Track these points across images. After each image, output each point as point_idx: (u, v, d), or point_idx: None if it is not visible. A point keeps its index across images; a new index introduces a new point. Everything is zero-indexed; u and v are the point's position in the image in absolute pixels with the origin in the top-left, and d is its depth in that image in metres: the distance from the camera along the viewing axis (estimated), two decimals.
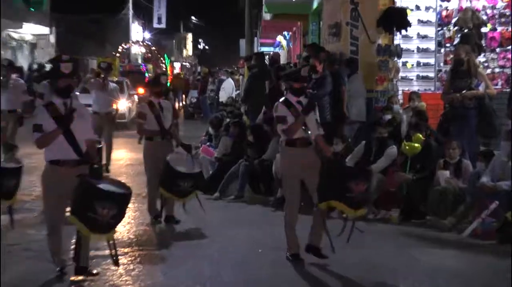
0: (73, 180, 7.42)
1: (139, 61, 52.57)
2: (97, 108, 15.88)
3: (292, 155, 8.80)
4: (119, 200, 7.50)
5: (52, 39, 44.65)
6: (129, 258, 8.88)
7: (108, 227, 7.48)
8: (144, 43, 54.47)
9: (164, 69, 48.34)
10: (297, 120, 8.65)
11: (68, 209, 7.71)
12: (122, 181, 8.61)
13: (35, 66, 38.61)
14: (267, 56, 20.44)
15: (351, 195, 8.08)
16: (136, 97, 31.25)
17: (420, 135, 11.71)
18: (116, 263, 7.80)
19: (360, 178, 8.22)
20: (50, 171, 7.81)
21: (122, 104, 24.40)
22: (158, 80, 11.64)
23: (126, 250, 9.26)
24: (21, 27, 39.45)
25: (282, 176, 9.39)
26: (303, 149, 8.74)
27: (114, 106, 16.29)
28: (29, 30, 41.21)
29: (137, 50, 57.88)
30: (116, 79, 27.61)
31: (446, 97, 12.32)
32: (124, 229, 10.37)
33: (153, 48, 50.99)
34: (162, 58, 49.55)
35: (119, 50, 44.02)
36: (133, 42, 51.77)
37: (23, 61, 40.22)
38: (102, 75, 16.13)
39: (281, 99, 8.97)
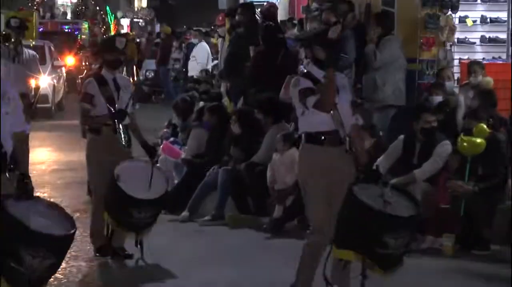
0: None
1: (68, 17, 52.47)
2: None
3: (317, 156, 8.40)
4: (57, 245, 7.02)
5: None
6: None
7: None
8: None
9: (104, 28, 48.38)
10: (326, 85, 8.17)
11: None
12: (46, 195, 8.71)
13: None
14: (259, 9, 20.47)
15: (385, 252, 7.81)
16: (63, 69, 31.26)
17: (485, 127, 11.78)
18: None
19: (405, 228, 7.97)
20: None
21: (44, 81, 23.82)
22: (112, 44, 10.67)
23: None
24: None
25: (302, 188, 8.75)
26: (333, 149, 8.38)
27: (32, 84, 16.16)
28: None
29: (65, 0, 58.01)
30: (34, 43, 27.49)
31: None
32: None
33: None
34: (102, 13, 49.70)
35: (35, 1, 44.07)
36: None
37: None
38: (13, 39, 15.97)
39: (303, 73, 8.73)
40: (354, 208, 7.85)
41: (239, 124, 14.16)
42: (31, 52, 14.58)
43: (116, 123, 10.24)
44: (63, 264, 10.40)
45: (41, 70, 16.09)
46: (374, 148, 12.36)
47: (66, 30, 41.17)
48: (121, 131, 10.43)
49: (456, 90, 14.15)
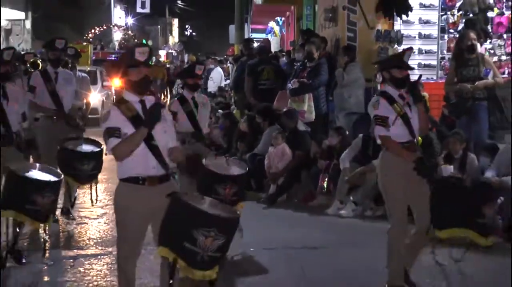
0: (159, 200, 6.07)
1: (116, 47, 52.22)
2: None
3: (397, 165, 7.40)
4: (225, 226, 5.98)
5: (28, 24, 44.55)
6: (113, 258, 8.95)
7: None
8: (121, 28, 54.36)
9: None
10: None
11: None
12: None
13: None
14: (256, 44, 20.42)
15: (482, 221, 7.27)
16: (113, 89, 31.17)
17: None
18: None
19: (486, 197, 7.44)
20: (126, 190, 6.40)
21: (94, 97, 23.73)
22: (193, 70, 10.08)
23: (110, 249, 9.33)
24: None
25: (383, 190, 7.77)
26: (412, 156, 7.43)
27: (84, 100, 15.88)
28: (4, 15, 41.14)
29: (119, 37, 57.80)
30: (88, 68, 27.36)
31: (452, 88, 12.22)
32: (108, 227, 10.45)
33: (130, 32, 50.87)
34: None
35: (90, 35, 43.89)
36: (106, 26, 51.51)
37: None
38: (70, 64, 15.73)
39: (380, 92, 7.84)
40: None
41: (247, 124, 14.28)
42: (83, 74, 14.22)
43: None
44: None
45: (91, 89, 15.68)
46: (341, 143, 12.38)
47: (113, 58, 40.86)
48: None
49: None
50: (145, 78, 6.24)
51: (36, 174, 8.28)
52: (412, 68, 8.05)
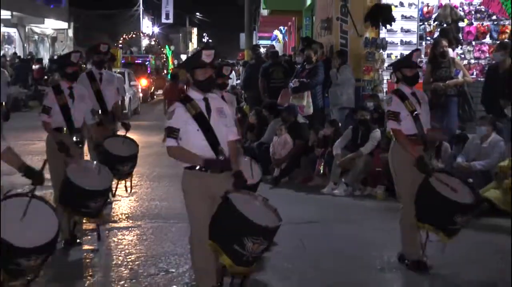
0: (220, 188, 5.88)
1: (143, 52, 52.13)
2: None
3: (406, 155, 7.16)
4: (270, 234, 5.75)
5: (70, 33, 44.62)
6: (142, 230, 8.97)
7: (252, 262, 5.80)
8: (146, 34, 54.28)
9: (164, 59, 48.07)
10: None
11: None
12: None
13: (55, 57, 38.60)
14: (264, 49, 20.41)
15: (453, 227, 6.94)
16: (139, 87, 31.21)
17: None
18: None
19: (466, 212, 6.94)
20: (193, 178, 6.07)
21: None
22: (220, 70, 9.39)
23: (139, 222, 9.36)
24: (42, 23, 39.58)
25: (394, 175, 7.61)
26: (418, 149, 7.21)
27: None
28: (50, 25, 41.23)
29: (146, 43, 57.76)
30: (118, 70, 27.37)
31: (428, 86, 12.25)
32: (137, 204, 10.46)
33: (154, 39, 50.77)
34: (163, 49, 49.33)
35: (121, 41, 43.84)
36: (135, 34, 51.43)
37: (45, 53, 40.25)
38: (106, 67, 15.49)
39: (394, 90, 7.56)
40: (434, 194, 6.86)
41: (255, 117, 14.28)
42: (118, 75, 13.73)
43: None
44: (146, 203, 10.53)
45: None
46: (334, 134, 12.36)
47: (139, 62, 40.71)
48: None
49: (385, 99, 14.07)
50: (210, 77, 5.98)
51: (91, 176, 7.74)
52: (420, 67, 7.72)
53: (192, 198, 6.01)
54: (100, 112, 9.79)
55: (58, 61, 10.40)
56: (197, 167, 5.91)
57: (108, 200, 8.98)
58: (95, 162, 8.44)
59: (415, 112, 7.17)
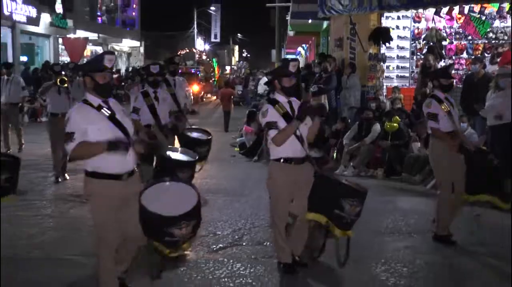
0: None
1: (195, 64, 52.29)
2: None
3: (443, 149, 6.78)
4: (364, 197, 5.56)
5: (142, 50, 44.87)
6: None
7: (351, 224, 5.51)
8: (198, 50, 54.29)
9: (212, 70, 48.10)
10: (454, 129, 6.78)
11: None
12: None
13: (130, 69, 38.94)
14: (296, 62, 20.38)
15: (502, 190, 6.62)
16: (191, 93, 31.10)
17: (398, 118, 11.67)
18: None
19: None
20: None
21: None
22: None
23: None
24: (120, 42, 39.86)
25: (433, 166, 7.25)
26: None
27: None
28: (126, 44, 41.51)
29: (198, 57, 57.94)
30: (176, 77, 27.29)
31: (419, 92, 12.23)
32: (193, 181, 10.49)
33: (205, 53, 50.74)
34: (210, 62, 49.31)
35: (178, 55, 43.99)
36: (189, 50, 51.47)
37: (122, 65, 40.60)
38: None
39: (432, 95, 7.07)
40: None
41: None
42: (181, 78, 13.30)
43: None
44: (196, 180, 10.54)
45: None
46: (344, 128, 12.32)
47: (192, 71, 40.56)
48: None
49: (385, 100, 13.99)
50: (295, 84, 5.66)
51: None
52: (453, 78, 7.33)
53: (278, 185, 5.63)
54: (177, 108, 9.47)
55: (143, 71, 9.95)
56: (282, 160, 5.62)
57: None
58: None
59: (450, 113, 6.82)
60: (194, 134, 8.86)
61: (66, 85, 10.01)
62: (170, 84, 10.04)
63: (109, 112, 4.69)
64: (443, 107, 6.79)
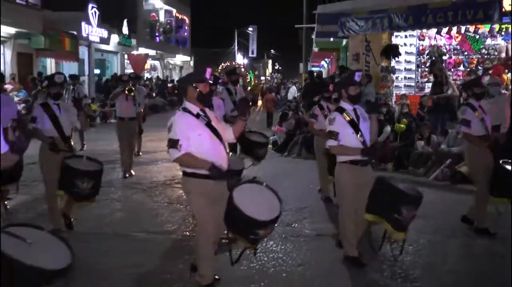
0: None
1: None
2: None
3: (478, 151, 6.35)
4: (419, 203, 5.11)
5: (191, 63, 45.19)
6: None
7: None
8: (238, 64, 54.38)
9: (248, 80, 48.02)
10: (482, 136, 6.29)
11: None
12: None
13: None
14: (315, 73, 20.27)
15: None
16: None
17: (405, 120, 11.53)
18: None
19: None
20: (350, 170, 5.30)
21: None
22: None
23: None
24: (174, 57, 40.26)
25: (470, 167, 6.79)
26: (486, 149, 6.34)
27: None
28: (179, 59, 41.87)
29: (238, 70, 57.91)
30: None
31: (424, 99, 12.14)
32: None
33: (243, 66, 50.70)
34: (248, 73, 49.28)
35: (219, 68, 44.02)
36: (230, 63, 51.56)
37: (175, 77, 40.98)
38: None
39: (466, 103, 6.62)
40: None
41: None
42: (240, 88, 12.16)
43: None
44: None
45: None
46: None
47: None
48: None
49: (394, 106, 13.87)
50: (359, 93, 5.30)
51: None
52: (485, 87, 6.80)
53: (347, 184, 5.30)
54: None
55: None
56: (350, 161, 5.24)
57: None
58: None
59: (483, 119, 6.40)
60: (254, 137, 8.27)
61: (133, 93, 9.91)
62: (232, 93, 9.38)
63: (206, 119, 4.43)
64: (477, 114, 6.36)
